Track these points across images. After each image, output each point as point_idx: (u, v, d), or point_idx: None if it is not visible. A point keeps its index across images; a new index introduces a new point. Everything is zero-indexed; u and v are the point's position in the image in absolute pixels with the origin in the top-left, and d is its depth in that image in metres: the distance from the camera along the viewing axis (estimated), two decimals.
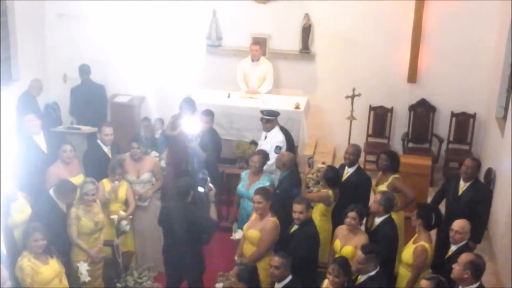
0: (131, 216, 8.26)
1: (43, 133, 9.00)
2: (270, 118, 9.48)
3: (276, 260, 6.40)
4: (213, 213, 8.38)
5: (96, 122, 10.06)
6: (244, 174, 8.67)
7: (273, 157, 8.95)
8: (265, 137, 9.59)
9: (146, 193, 8.53)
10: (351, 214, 7.21)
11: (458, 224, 6.89)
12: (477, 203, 8.03)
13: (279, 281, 6.40)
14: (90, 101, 11.29)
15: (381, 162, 8.44)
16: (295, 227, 7.29)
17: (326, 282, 6.44)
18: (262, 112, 9.60)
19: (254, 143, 10.22)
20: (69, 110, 11.69)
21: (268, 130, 9.52)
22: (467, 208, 7.91)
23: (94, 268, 7.41)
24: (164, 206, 8.20)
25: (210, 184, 8.58)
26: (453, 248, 6.94)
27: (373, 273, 6.39)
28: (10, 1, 11.10)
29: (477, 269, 6.06)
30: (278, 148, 9.31)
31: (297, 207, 7.20)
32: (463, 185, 8.17)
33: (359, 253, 6.44)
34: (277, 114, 9.63)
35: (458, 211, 7.74)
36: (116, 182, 8.11)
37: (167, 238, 7.66)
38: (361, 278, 6.44)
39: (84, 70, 11.42)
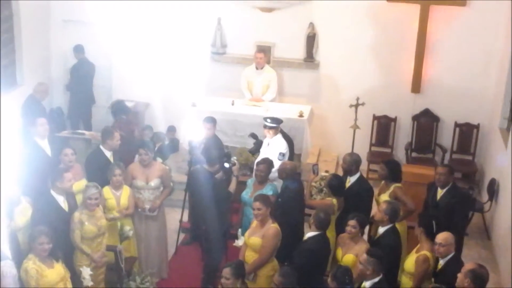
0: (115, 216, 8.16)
1: (47, 137, 9.03)
2: (273, 126, 9.50)
3: (276, 278, 6.43)
4: (232, 187, 8.55)
5: (85, 99, 12.04)
6: (250, 182, 8.69)
7: (276, 164, 8.94)
8: (268, 144, 9.60)
9: (154, 204, 8.49)
10: (351, 222, 7.23)
11: (441, 237, 6.83)
12: (453, 207, 8.07)
13: None
14: (85, 79, 12.13)
15: (381, 172, 8.48)
16: (309, 235, 7.34)
17: None
18: (265, 119, 9.62)
19: (254, 136, 10.17)
20: (66, 86, 12.22)
21: (271, 137, 9.54)
22: (445, 213, 7.94)
23: (96, 272, 7.40)
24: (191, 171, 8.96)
25: (235, 160, 8.67)
26: (441, 261, 6.90)
27: (376, 279, 6.39)
28: (16, 6, 11.15)
29: (478, 278, 6.06)
30: (281, 155, 9.31)
31: None
32: (440, 192, 8.23)
33: (364, 255, 6.48)
34: (281, 121, 9.66)
35: (437, 217, 7.70)
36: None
37: (193, 202, 8.96)
38: (366, 286, 6.43)
39: (79, 50, 12.01)
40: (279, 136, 9.59)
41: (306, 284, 6.77)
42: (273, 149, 9.44)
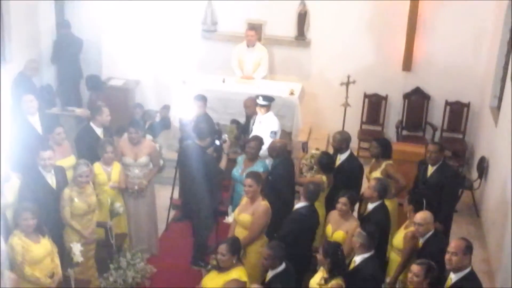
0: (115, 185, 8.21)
1: (39, 114, 8.99)
2: (265, 104, 9.48)
3: (265, 251, 6.47)
4: (223, 163, 8.59)
5: (72, 75, 11.84)
6: (240, 159, 8.70)
7: (267, 142, 8.95)
8: (260, 122, 9.59)
9: (140, 184, 8.45)
10: (342, 200, 7.27)
11: (419, 217, 6.85)
12: (443, 184, 8.11)
13: (272, 269, 6.47)
14: (71, 54, 12.00)
15: (373, 149, 8.50)
16: (297, 206, 7.44)
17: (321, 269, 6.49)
18: (257, 97, 9.60)
19: (235, 121, 10.17)
20: (50, 58, 12.07)
21: (263, 114, 9.53)
22: (435, 191, 7.99)
23: (87, 249, 7.40)
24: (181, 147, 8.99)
25: (226, 137, 8.69)
26: (421, 241, 6.93)
27: (367, 255, 6.44)
28: None
29: (472, 251, 6.18)
30: (273, 133, 9.31)
31: None
32: (430, 169, 8.27)
33: (358, 228, 6.62)
34: (272, 99, 9.65)
35: (427, 195, 7.68)
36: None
37: (183, 179, 9.02)
38: (356, 261, 6.48)
39: (64, 25, 11.98)
40: (271, 114, 9.59)
41: (293, 254, 6.84)
42: (265, 127, 9.43)
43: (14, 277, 6.05)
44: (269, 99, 9.58)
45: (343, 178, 8.24)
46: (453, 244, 6.17)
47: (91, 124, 8.74)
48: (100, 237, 7.83)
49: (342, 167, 8.44)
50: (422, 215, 6.86)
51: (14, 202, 7.19)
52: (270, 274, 6.49)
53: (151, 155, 8.62)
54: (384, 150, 8.44)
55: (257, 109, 9.56)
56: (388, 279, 7.14)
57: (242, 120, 10.23)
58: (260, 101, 9.50)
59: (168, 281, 8.34)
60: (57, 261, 6.72)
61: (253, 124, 9.81)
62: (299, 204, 7.42)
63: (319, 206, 8.11)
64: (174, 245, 9.14)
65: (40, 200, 6.97)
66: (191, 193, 8.58)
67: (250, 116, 9.91)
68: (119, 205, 8.10)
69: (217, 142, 8.63)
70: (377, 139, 8.73)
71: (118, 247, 8.13)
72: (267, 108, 9.52)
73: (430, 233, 6.85)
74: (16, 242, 6.43)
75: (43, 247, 6.57)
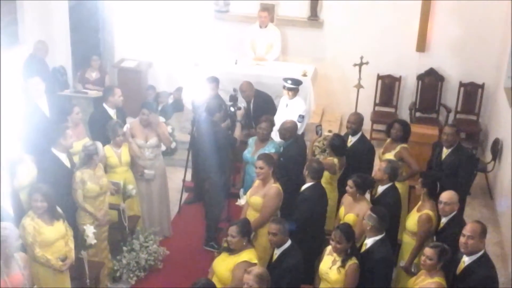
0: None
1: (46, 96, 8.99)
2: (293, 87, 9.43)
3: (272, 227, 6.41)
4: (237, 132, 8.60)
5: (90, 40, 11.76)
6: (251, 140, 8.66)
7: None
8: (286, 105, 9.53)
9: (148, 175, 8.44)
10: (348, 182, 7.23)
11: (446, 196, 6.81)
12: (458, 166, 8.08)
13: (278, 246, 6.44)
14: (86, 27, 12.07)
15: (394, 132, 8.39)
16: (304, 186, 7.39)
17: (329, 249, 6.46)
18: (285, 80, 9.53)
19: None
20: (69, 28, 11.96)
21: (290, 98, 9.48)
22: (449, 173, 7.97)
23: (100, 231, 7.44)
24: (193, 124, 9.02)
25: (240, 104, 8.63)
26: (443, 220, 6.89)
27: (378, 237, 6.42)
28: None
29: (486, 234, 6.13)
30: (301, 117, 9.26)
31: None
32: (445, 151, 8.23)
33: (368, 211, 6.56)
34: (300, 82, 9.60)
35: (441, 177, 7.62)
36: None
37: (196, 160, 9.05)
38: (367, 244, 6.47)
39: None
40: (298, 98, 9.53)
41: (306, 237, 6.85)
42: (292, 111, 9.38)
43: (24, 257, 6.04)
44: (297, 82, 9.51)
45: (354, 160, 8.20)
46: (469, 227, 6.09)
47: (104, 105, 8.75)
48: (113, 219, 7.86)
49: (353, 149, 8.39)
50: (449, 194, 6.82)
51: (28, 185, 7.20)
52: (277, 252, 6.45)
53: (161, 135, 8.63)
54: (405, 133, 8.40)
55: (285, 92, 9.49)
56: (402, 263, 7.13)
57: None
58: (289, 84, 9.43)
59: (180, 263, 8.39)
60: (71, 245, 6.69)
61: (253, 109, 9.77)
62: (305, 185, 7.38)
63: (332, 189, 8.10)
64: (186, 227, 9.18)
65: (58, 183, 7.01)
66: (203, 168, 8.54)
67: (248, 101, 9.83)
68: (131, 187, 8.11)
69: (232, 109, 8.60)
70: (399, 121, 8.63)
71: (131, 230, 8.18)
72: (295, 91, 9.45)
73: (454, 213, 6.83)
74: (28, 223, 6.44)
75: (56, 230, 6.56)
